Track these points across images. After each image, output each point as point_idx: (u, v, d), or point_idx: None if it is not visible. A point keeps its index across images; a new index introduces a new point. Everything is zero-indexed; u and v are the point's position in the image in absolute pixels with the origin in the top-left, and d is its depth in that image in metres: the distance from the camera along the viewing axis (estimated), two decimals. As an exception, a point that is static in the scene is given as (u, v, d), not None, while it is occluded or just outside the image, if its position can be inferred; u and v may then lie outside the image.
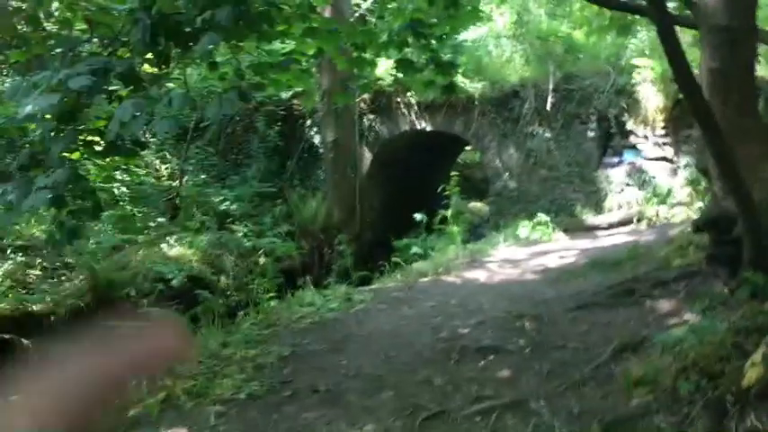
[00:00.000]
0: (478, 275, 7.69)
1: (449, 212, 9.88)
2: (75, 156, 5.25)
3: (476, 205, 19.03)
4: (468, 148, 18.58)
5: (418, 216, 9.48)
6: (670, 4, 6.82)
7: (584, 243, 9.20)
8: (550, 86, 11.66)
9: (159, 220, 10.66)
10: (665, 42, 3.80)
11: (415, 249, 9.01)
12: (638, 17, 7.53)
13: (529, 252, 8.95)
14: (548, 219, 10.99)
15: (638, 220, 10.55)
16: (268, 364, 5.30)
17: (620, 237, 9.26)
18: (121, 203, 10.34)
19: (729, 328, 3.85)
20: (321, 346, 5.65)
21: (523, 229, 10.30)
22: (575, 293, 5.94)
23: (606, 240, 9.13)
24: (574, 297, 5.79)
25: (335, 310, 6.73)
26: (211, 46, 4.67)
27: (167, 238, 10.77)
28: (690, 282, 5.20)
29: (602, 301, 5.40)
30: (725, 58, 4.61)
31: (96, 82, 4.34)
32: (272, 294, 7.81)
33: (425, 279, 7.78)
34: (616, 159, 11.65)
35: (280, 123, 13.52)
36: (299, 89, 13.64)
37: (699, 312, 4.58)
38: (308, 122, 13.68)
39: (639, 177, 11.23)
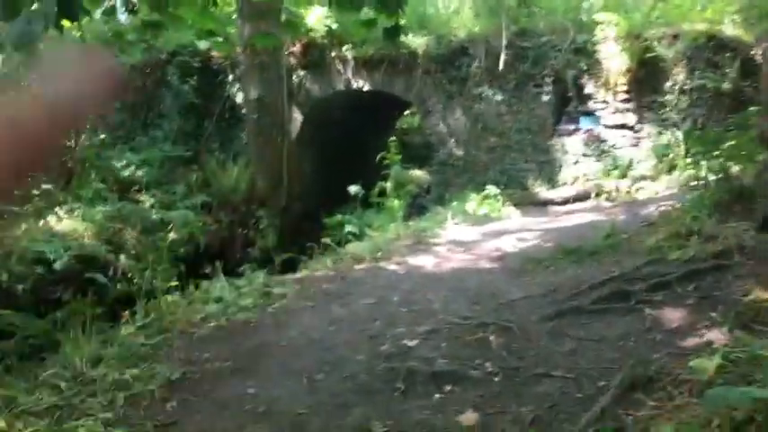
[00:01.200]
0: (425, 262, 6.45)
1: (388, 184, 8.57)
2: None
3: (415, 173, 17.81)
4: (409, 110, 17.32)
5: (353, 188, 8.14)
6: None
7: (542, 222, 8.08)
8: (503, 42, 10.41)
9: (45, 186, 8.91)
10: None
11: (349, 228, 7.69)
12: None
13: (481, 232, 7.76)
14: (497, 192, 9.85)
15: (597, 195, 9.53)
16: (148, 393, 3.90)
17: (581, 215, 8.19)
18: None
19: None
20: (224, 362, 4.28)
21: (471, 203, 9.10)
22: (547, 292, 4.75)
23: (567, 219, 8.04)
24: (548, 298, 4.60)
25: (249, 309, 5.36)
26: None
27: (56, 209, 9.08)
28: (700, 283, 4.07)
29: (586, 305, 4.22)
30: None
31: None
32: (172, 284, 6.37)
33: (361, 266, 6.48)
34: (572, 127, 10.58)
35: (196, 78, 11.83)
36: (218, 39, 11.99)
37: (726, 330, 3.43)
38: (230, 78, 12.04)
39: (598, 147, 10.20)
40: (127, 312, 5.32)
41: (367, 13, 5.37)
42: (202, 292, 5.84)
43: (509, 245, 6.81)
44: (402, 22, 5.47)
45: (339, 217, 8.11)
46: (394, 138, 11.08)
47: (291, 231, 11.27)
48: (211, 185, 11.07)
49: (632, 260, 4.87)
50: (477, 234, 7.65)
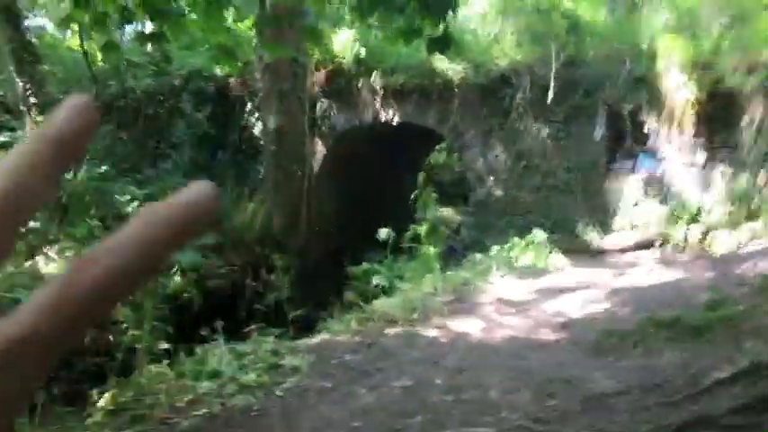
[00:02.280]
0: (471, 327, 5.25)
1: (422, 228, 7.42)
2: None
3: (444, 212, 16.63)
4: (439, 145, 16.29)
5: (383, 233, 6.99)
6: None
7: (606, 277, 6.85)
8: (552, 71, 9.31)
9: (33, 224, 7.89)
10: None
11: (377, 279, 6.51)
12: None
13: (533, 287, 6.55)
14: (544, 237, 8.63)
15: (662, 245, 8.28)
16: None
17: (652, 270, 6.93)
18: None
19: None
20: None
21: (515, 250, 7.90)
22: (650, 386, 3.52)
23: (635, 274, 6.79)
24: (654, 396, 3.37)
25: (252, 389, 4.20)
26: None
27: (45, 249, 8.05)
28: None
29: (720, 416, 2.98)
30: None
31: None
32: (163, 347, 5.25)
33: (394, 330, 5.29)
34: (629, 166, 9.38)
35: (211, 105, 10.88)
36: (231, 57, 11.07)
37: None
38: (248, 106, 11.07)
39: (660, 189, 8.97)
40: (95, 391, 4.17)
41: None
42: (196, 362, 4.69)
43: (572, 308, 5.59)
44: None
45: (365, 266, 6.93)
46: (423, 174, 10.03)
47: (310, 275, 10.15)
48: (223, 223, 9.99)
49: (764, 346, 3.63)
50: (528, 291, 6.44)
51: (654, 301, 5.32)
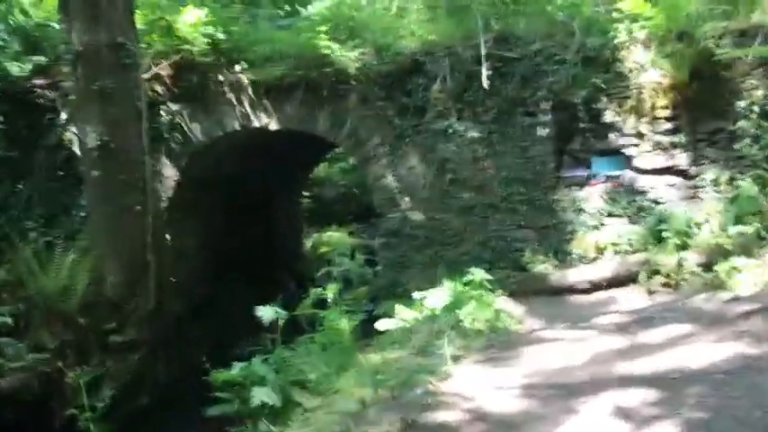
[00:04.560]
0: None
1: (329, 290, 4.76)
2: None
3: (334, 236, 14.00)
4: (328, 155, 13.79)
5: (265, 314, 4.22)
6: None
7: (616, 348, 4.47)
8: (483, 51, 6.98)
9: None
10: None
11: (261, 394, 3.75)
12: None
13: (516, 382, 4.06)
14: (484, 275, 6.22)
15: (649, 277, 6.12)
16: None
17: (687, 329, 4.60)
18: None
19: None
20: None
21: (467, 308, 5.42)
22: None
23: (664, 342, 4.43)
24: None
25: None
26: None
27: None
28: None
29: None
30: None
31: None
32: None
33: None
34: (584, 173, 7.22)
35: (6, 118, 7.67)
36: (42, 60, 7.96)
37: None
38: (62, 116, 7.93)
39: (631, 202, 6.86)
40: None
41: None
42: None
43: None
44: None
45: (239, 370, 4.04)
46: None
47: (170, 343, 7.28)
48: (27, 288, 6.83)
49: None
50: (512, 390, 3.93)
51: (763, 417, 2.98)
